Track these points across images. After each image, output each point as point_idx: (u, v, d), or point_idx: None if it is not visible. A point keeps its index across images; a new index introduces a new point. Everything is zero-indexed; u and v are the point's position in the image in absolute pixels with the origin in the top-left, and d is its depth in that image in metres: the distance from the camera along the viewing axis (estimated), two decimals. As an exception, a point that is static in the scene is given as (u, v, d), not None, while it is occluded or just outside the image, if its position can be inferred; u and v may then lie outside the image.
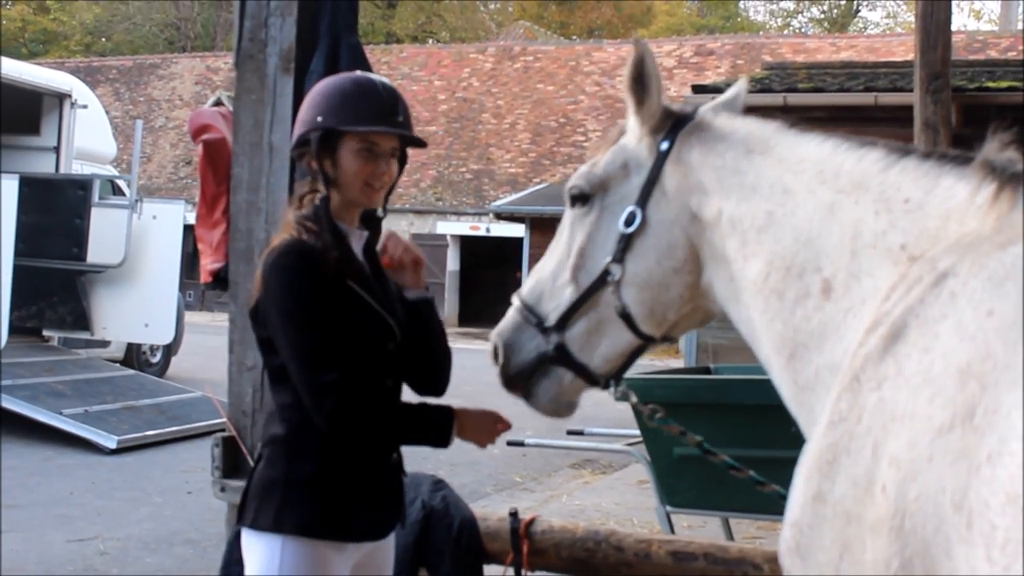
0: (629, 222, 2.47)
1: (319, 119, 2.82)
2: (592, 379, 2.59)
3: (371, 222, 3.05)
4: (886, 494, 1.72)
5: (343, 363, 2.71)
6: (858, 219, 2.10)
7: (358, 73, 3.01)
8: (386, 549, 3.03)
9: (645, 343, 2.56)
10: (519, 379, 2.64)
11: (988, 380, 1.62)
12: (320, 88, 2.91)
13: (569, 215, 2.61)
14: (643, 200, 2.46)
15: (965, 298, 1.75)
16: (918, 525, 1.65)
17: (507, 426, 2.96)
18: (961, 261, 1.82)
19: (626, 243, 2.47)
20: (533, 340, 2.60)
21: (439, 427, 2.84)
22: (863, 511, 1.78)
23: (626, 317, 2.49)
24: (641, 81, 2.50)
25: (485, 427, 2.94)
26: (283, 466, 2.82)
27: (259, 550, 2.83)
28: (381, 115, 2.85)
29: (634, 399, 3.30)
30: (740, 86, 2.69)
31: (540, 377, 2.62)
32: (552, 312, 2.57)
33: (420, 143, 3.00)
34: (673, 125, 2.49)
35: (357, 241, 2.92)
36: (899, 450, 1.72)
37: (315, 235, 2.77)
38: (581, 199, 2.58)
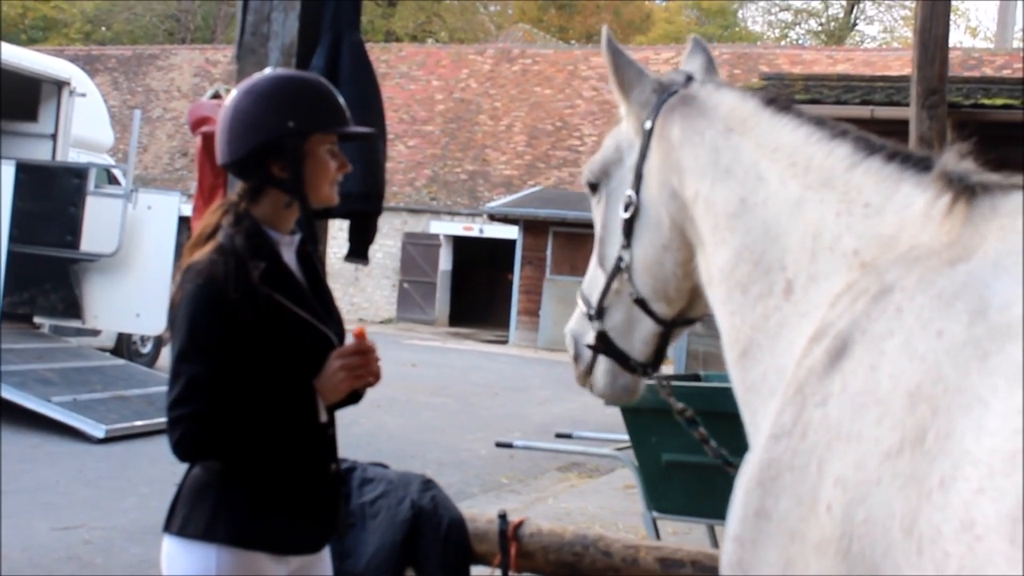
0: (627, 207, 2.45)
1: (290, 124, 2.65)
2: (631, 367, 2.58)
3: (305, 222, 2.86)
4: (832, 514, 1.68)
5: (217, 393, 2.57)
6: (820, 219, 2.05)
7: (291, 73, 2.88)
8: (323, 560, 2.91)
9: (667, 328, 2.53)
10: (586, 371, 2.66)
11: (939, 404, 1.56)
12: (266, 92, 2.71)
13: (592, 204, 2.63)
14: (636, 183, 2.44)
15: (912, 315, 1.70)
16: (866, 548, 1.61)
17: (360, 352, 2.70)
18: (908, 274, 1.77)
19: (628, 228, 2.45)
20: (588, 331, 2.62)
21: (307, 410, 2.66)
22: (807, 530, 1.74)
23: (640, 303, 2.49)
24: (610, 61, 2.51)
25: (338, 378, 2.69)
26: (217, 470, 2.69)
27: (188, 560, 2.66)
28: (341, 110, 2.79)
29: (678, 404, 2.91)
30: (698, 48, 2.68)
31: (595, 366, 2.63)
32: (594, 301, 2.58)
33: (363, 135, 3.00)
34: (658, 101, 2.43)
35: (288, 248, 2.79)
36: (845, 470, 1.67)
37: (235, 256, 2.61)
38: (592, 188, 2.60)
